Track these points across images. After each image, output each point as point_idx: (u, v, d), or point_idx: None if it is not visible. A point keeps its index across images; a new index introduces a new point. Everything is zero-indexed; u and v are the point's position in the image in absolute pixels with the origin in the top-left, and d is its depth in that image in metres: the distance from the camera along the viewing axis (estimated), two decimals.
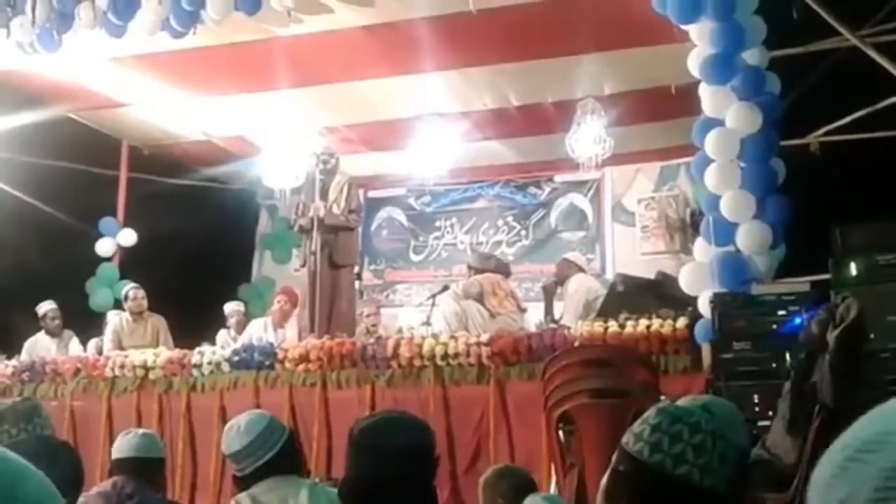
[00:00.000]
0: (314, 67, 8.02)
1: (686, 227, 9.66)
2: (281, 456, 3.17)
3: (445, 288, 8.23)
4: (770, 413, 4.51)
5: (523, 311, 8.13)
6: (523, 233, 10.74)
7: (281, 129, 9.19)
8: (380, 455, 2.19)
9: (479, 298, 7.81)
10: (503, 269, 8.55)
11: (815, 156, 8.37)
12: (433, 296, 8.16)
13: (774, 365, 4.94)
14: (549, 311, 8.32)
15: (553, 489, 5.19)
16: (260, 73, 8.10)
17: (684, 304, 5.97)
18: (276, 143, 9.29)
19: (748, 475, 1.65)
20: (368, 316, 8.82)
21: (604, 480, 1.67)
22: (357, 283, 8.80)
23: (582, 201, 10.55)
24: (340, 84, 8.38)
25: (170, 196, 10.51)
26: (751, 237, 5.60)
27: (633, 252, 10.00)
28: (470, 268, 8.56)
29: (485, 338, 6.40)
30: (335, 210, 8.00)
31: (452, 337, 6.58)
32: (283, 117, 9.02)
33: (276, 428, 3.24)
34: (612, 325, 6.13)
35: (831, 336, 3.60)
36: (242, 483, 3.17)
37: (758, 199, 5.63)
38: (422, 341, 6.55)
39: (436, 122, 9.14)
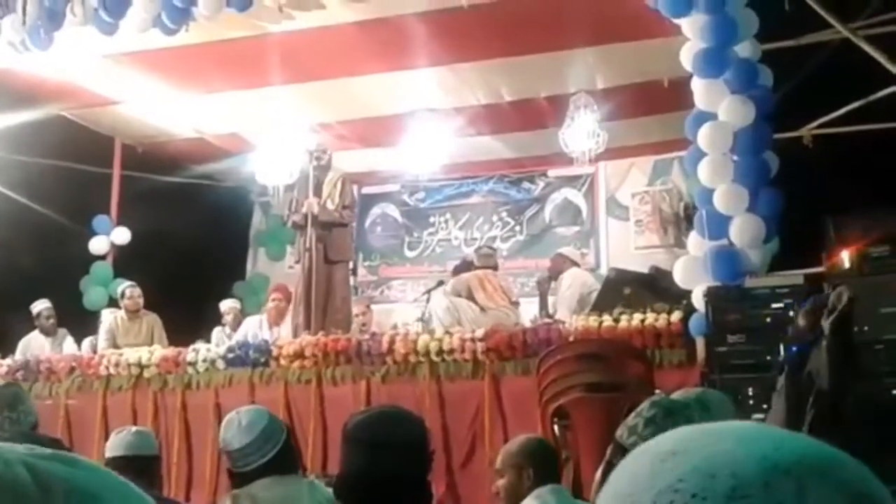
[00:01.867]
0: (307, 64, 8.01)
1: (680, 221, 9.66)
2: (281, 455, 3.14)
3: (440, 283, 8.22)
4: (765, 406, 4.53)
5: (515, 303, 8.13)
6: (517, 228, 10.74)
7: (274, 126, 9.17)
8: (374, 450, 2.18)
9: (469, 296, 7.82)
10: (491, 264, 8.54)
11: (808, 148, 8.38)
12: (428, 291, 8.15)
13: (768, 357, 4.95)
14: (543, 305, 8.32)
15: None
16: (253, 70, 8.07)
17: (678, 297, 5.98)
18: (270, 140, 9.27)
19: None
20: (357, 315, 8.76)
21: (598, 474, 1.67)
22: (352, 279, 8.77)
23: (576, 196, 10.55)
24: (333, 80, 8.36)
25: (163, 194, 10.49)
26: (744, 230, 5.60)
27: (627, 246, 10.01)
28: (455, 268, 8.60)
29: (479, 333, 6.40)
30: (329, 206, 7.97)
31: (447, 333, 6.57)
32: (276, 114, 8.99)
33: (277, 426, 3.22)
34: (607, 320, 6.13)
35: (826, 323, 3.63)
36: (240, 479, 3.14)
37: (751, 193, 5.64)
38: (416, 337, 6.54)
39: (429, 118, 9.12)
